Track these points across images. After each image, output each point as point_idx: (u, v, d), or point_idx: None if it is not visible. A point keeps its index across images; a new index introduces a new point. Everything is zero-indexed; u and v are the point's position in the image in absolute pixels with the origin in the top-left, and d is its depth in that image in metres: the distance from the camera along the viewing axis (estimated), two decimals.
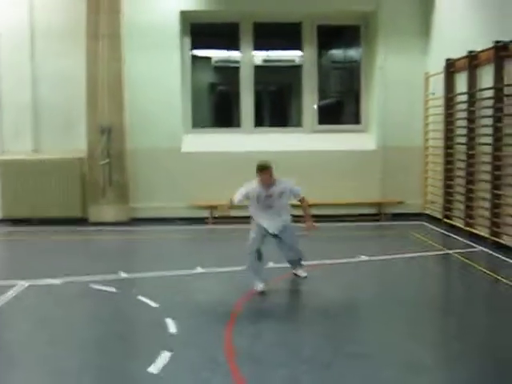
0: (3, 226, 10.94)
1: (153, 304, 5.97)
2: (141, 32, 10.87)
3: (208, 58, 12.49)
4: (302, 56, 11.81)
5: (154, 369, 4.35)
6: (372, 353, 4.73)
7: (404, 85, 11.25)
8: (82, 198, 11.02)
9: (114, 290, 6.54)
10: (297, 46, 11.80)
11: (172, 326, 5.29)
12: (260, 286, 6.39)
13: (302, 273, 6.97)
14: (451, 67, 10.15)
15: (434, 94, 10.95)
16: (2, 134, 11.21)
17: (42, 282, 6.87)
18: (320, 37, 11.62)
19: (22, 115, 11.10)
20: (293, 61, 12.76)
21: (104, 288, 6.60)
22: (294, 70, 12.18)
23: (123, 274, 7.22)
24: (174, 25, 11.04)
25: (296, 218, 6.86)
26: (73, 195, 10.94)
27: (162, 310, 5.77)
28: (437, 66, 10.60)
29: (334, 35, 12.27)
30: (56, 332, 5.35)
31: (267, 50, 12.12)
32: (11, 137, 11.14)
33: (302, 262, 7.00)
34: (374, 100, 11.48)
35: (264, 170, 6.47)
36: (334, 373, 4.35)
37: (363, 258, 8.02)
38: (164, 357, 4.56)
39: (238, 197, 6.54)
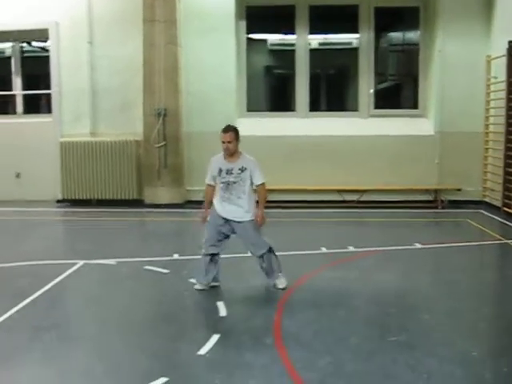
0: (63, 206, 11.30)
1: (199, 286, 6.02)
2: (197, 16, 10.96)
3: (263, 41, 12.40)
4: (358, 39, 11.58)
5: (202, 351, 4.41)
6: (418, 343, 4.64)
7: (464, 68, 10.93)
8: (138, 180, 11.23)
9: (166, 271, 6.65)
10: (353, 28, 11.59)
11: (223, 309, 5.34)
12: (198, 286, 5.93)
13: (280, 283, 5.97)
14: None
15: (496, 77, 10.57)
16: (61, 119, 11.53)
17: (98, 262, 7.05)
18: (377, 19, 11.37)
19: (80, 100, 11.42)
20: (350, 43, 12.58)
21: (157, 269, 6.72)
22: (350, 53, 12.02)
23: (176, 256, 7.33)
24: (230, 8, 11.03)
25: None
26: (129, 177, 11.17)
27: (213, 293, 5.83)
28: (499, 48, 10.22)
29: (391, 17, 11.97)
30: (108, 311, 5.48)
31: (323, 33, 11.94)
32: (70, 121, 11.48)
33: (278, 270, 6.04)
34: (433, 84, 11.18)
35: (227, 131, 5.77)
36: (378, 361, 4.29)
37: (418, 245, 7.86)
38: (213, 339, 4.62)
39: (208, 177, 5.92)
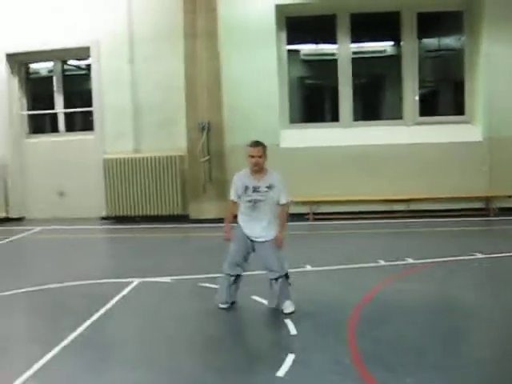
0: (108, 223, 11.28)
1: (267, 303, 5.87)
2: (237, 29, 10.92)
3: (297, 52, 12.27)
4: (400, 46, 11.41)
5: (280, 372, 4.25)
6: (501, 359, 4.43)
7: (511, 72, 10.66)
8: (183, 196, 11.17)
9: None
10: (395, 35, 11.43)
11: (292, 328, 5.18)
12: (221, 305, 5.78)
13: (286, 308, 5.60)
14: None
15: None
16: (104, 136, 11.53)
17: (153, 280, 6.95)
18: (420, 25, 11.19)
19: (122, 117, 11.44)
20: (385, 51, 12.44)
21: (214, 286, 6.56)
22: (388, 60, 11.86)
23: None
24: (270, 19, 10.97)
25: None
26: (173, 193, 11.12)
27: (278, 310, 5.66)
28: None
29: (434, 22, 11.75)
30: (175, 330, 5.36)
31: (363, 41, 11.79)
32: (113, 138, 11.51)
33: (286, 297, 5.65)
34: (479, 89, 10.95)
35: (256, 145, 5.52)
36: (464, 379, 4.10)
37: (479, 255, 7.62)
38: (289, 360, 4.46)
39: (232, 195, 5.74)
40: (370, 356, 4.53)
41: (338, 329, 5.17)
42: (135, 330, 5.42)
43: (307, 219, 10.83)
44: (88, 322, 5.49)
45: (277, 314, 5.58)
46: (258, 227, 5.61)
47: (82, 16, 11.33)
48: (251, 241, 5.67)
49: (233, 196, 5.76)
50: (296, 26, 11.36)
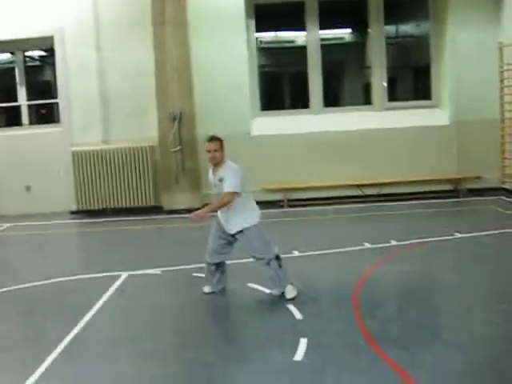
0: (78, 218, 11.02)
1: (266, 290, 5.87)
2: (206, 16, 10.79)
3: (265, 39, 12.22)
4: (367, 32, 11.54)
5: (298, 357, 4.27)
6: (507, 331, 4.59)
7: (476, 56, 10.93)
8: (155, 187, 11.01)
9: None
10: (361, 22, 11.54)
11: (297, 313, 5.20)
12: (205, 289, 5.93)
13: (288, 293, 5.63)
14: None
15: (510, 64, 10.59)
16: (71, 127, 11.23)
17: (142, 272, 6.85)
18: (386, 11, 11.31)
19: (90, 107, 11.14)
20: (351, 38, 12.57)
21: None
22: (355, 46, 11.99)
23: None
24: (239, 7, 10.87)
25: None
26: (145, 184, 10.95)
27: (278, 296, 5.67)
28: (511, 34, 10.24)
29: (399, 9, 11.91)
30: (178, 322, 5.34)
31: (331, 28, 11.87)
32: (81, 129, 11.19)
33: (286, 281, 5.68)
34: (446, 74, 11.17)
35: (211, 140, 5.60)
36: (480, 354, 4.22)
37: (458, 235, 7.82)
38: (302, 344, 4.48)
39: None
40: (381, 335, 4.61)
41: (343, 311, 5.24)
42: (139, 323, 5.34)
43: (282, 206, 10.86)
44: (87, 318, 5.40)
45: (277, 301, 5.59)
46: (224, 220, 5.71)
47: (44, 4, 10.95)
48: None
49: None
50: (265, 14, 11.31)
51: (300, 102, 11.71)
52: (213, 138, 5.64)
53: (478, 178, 10.98)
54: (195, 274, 6.61)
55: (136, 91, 10.95)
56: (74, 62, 11.06)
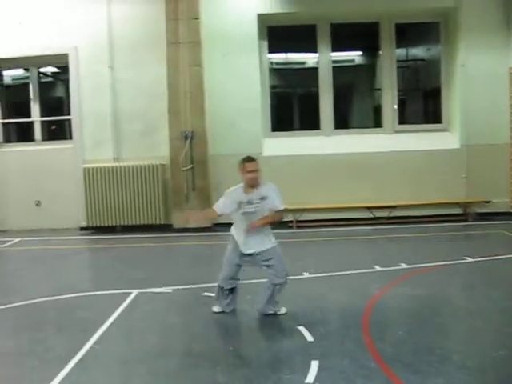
0: (88, 234, 11.07)
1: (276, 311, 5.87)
2: (219, 37, 10.92)
3: (278, 60, 12.30)
4: (378, 55, 11.63)
5: (309, 379, 4.26)
6: None
7: (487, 81, 11.02)
8: (165, 205, 11.06)
9: None
10: (373, 45, 11.64)
11: (307, 334, 5.20)
12: (215, 309, 5.97)
13: (281, 310, 5.82)
14: None
15: None
16: (83, 144, 11.33)
17: (152, 290, 6.86)
18: (397, 34, 11.43)
19: (102, 125, 11.25)
20: (363, 60, 12.65)
21: None
22: (366, 69, 12.10)
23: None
24: (252, 28, 11.00)
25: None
26: (155, 202, 11.00)
27: (289, 318, 5.68)
28: None
29: (411, 33, 12.02)
30: (188, 342, 5.31)
31: (343, 50, 11.96)
32: (92, 146, 11.31)
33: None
34: (456, 98, 11.24)
35: (253, 160, 5.59)
36: (492, 378, 4.20)
37: (468, 259, 7.81)
38: (314, 366, 4.48)
39: (220, 206, 5.82)
40: (392, 358, 4.60)
41: (353, 334, 5.22)
42: (149, 341, 5.32)
43: (291, 227, 10.88)
44: (97, 335, 5.40)
45: (287, 322, 5.60)
46: (258, 238, 5.67)
47: (59, 22, 11.11)
48: (252, 255, 5.73)
49: (219, 208, 5.85)
50: (277, 35, 11.43)
51: (311, 123, 11.76)
52: (253, 159, 5.63)
53: (488, 202, 10.98)
54: (205, 294, 6.62)
55: (148, 110, 11.06)
56: (87, 80, 11.20)
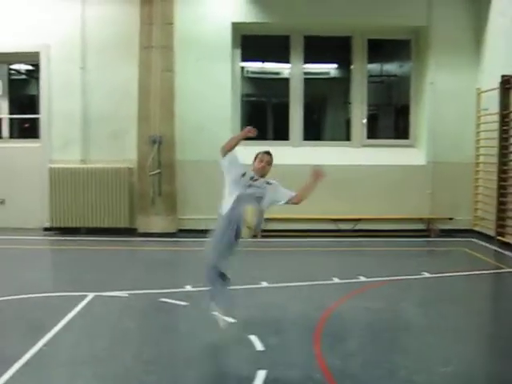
0: (51, 235, 10.96)
1: (229, 319, 5.86)
2: (192, 43, 10.92)
3: (250, 69, 12.37)
4: (350, 69, 11.75)
5: None
6: (465, 372, 4.64)
7: (454, 100, 11.18)
8: (130, 209, 11.00)
9: (184, 303, 6.47)
10: (345, 59, 11.76)
11: (258, 343, 5.20)
12: (223, 322, 5.38)
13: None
14: (507, 83, 10.05)
15: (486, 109, 10.84)
16: (51, 144, 11.22)
17: (109, 294, 6.81)
18: (369, 50, 11.57)
19: (71, 125, 11.12)
20: (334, 74, 12.75)
21: (174, 301, 6.53)
22: (337, 82, 12.21)
23: (189, 287, 7.14)
24: (226, 36, 11.02)
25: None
26: (121, 205, 10.93)
27: (241, 326, 5.68)
28: (490, 81, 10.51)
29: (383, 49, 12.17)
30: (137, 346, 5.30)
31: (315, 62, 12.06)
32: (60, 147, 11.17)
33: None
34: (424, 115, 11.39)
35: (269, 154, 5.87)
36: None
37: (426, 274, 7.91)
38: (260, 376, 4.49)
39: (230, 157, 5.74)
40: (339, 371, 4.63)
41: (304, 344, 5.26)
42: (99, 346, 5.28)
43: (255, 236, 10.85)
44: (48, 336, 5.33)
45: (239, 331, 5.58)
46: (242, 214, 5.13)
47: (31, 20, 11.01)
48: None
49: (227, 159, 5.77)
50: (251, 44, 11.49)
51: (282, 133, 11.82)
52: (270, 153, 5.90)
53: (451, 219, 11.13)
54: (162, 299, 6.60)
55: (118, 113, 10.99)
56: (58, 79, 11.07)
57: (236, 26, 11.11)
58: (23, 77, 12.53)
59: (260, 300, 6.63)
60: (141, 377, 4.59)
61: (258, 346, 5.17)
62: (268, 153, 5.87)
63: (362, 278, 7.64)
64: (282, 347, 5.21)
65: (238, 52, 11.44)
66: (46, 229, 11.15)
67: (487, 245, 10.20)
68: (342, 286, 7.35)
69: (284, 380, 4.50)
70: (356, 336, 5.56)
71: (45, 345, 5.14)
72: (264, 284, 7.31)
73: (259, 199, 5.46)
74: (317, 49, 11.70)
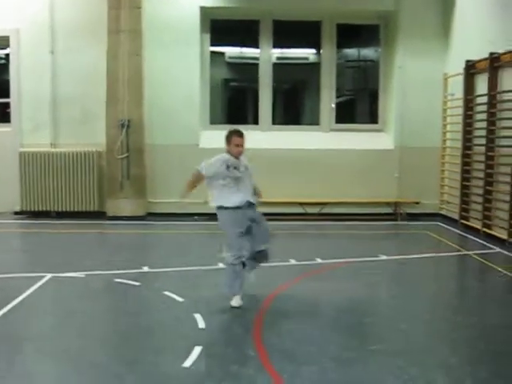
0: (22, 218, 11.04)
1: (179, 299, 6.02)
2: (161, 27, 10.94)
3: (221, 54, 12.42)
4: (320, 54, 11.83)
5: (187, 363, 4.41)
6: (398, 351, 4.76)
7: (422, 85, 11.26)
8: (100, 192, 11.09)
9: (138, 284, 6.60)
10: (315, 44, 11.83)
11: (201, 322, 5.34)
12: (237, 301, 5.81)
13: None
14: (471, 68, 10.14)
15: (453, 94, 10.96)
16: (21, 128, 11.26)
17: (66, 275, 6.92)
18: (339, 35, 11.63)
19: (40, 109, 11.16)
20: (306, 58, 12.79)
21: (128, 282, 6.65)
22: (308, 67, 12.27)
23: (146, 269, 7.27)
24: (194, 20, 11.05)
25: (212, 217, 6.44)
26: (90, 189, 11.01)
27: (189, 305, 5.82)
28: (456, 66, 10.59)
29: (352, 34, 12.24)
30: (84, 325, 5.40)
31: (285, 47, 12.12)
32: (30, 131, 11.22)
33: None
34: (392, 100, 11.49)
35: (242, 135, 5.96)
36: (361, 370, 4.40)
37: (383, 257, 8.05)
38: (195, 351, 4.62)
39: (206, 167, 5.87)
40: (274, 348, 4.77)
41: (246, 323, 5.39)
42: (46, 324, 5.43)
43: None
44: None
45: (187, 309, 5.72)
46: (248, 193, 5.97)
47: (1, 5, 11.00)
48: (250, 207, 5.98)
49: (204, 170, 5.90)
50: (220, 29, 11.53)
51: (253, 118, 11.91)
52: (242, 133, 5.98)
53: (417, 203, 11.28)
54: (117, 280, 6.73)
55: (87, 96, 11.03)
56: (27, 62, 11.10)
57: (205, 11, 11.14)
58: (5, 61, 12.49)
59: (213, 281, 6.75)
60: (80, 353, 4.71)
61: (201, 324, 5.30)
62: (241, 134, 5.99)
63: (319, 260, 7.78)
64: (224, 325, 5.36)
65: (207, 36, 11.48)
66: (16, 212, 11.22)
67: (451, 228, 10.36)
68: (298, 267, 7.49)
69: (218, 356, 4.64)
70: (298, 315, 5.67)
71: None
72: (220, 265, 7.41)
73: (244, 179, 5.96)
74: (287, 34, 11.76)
